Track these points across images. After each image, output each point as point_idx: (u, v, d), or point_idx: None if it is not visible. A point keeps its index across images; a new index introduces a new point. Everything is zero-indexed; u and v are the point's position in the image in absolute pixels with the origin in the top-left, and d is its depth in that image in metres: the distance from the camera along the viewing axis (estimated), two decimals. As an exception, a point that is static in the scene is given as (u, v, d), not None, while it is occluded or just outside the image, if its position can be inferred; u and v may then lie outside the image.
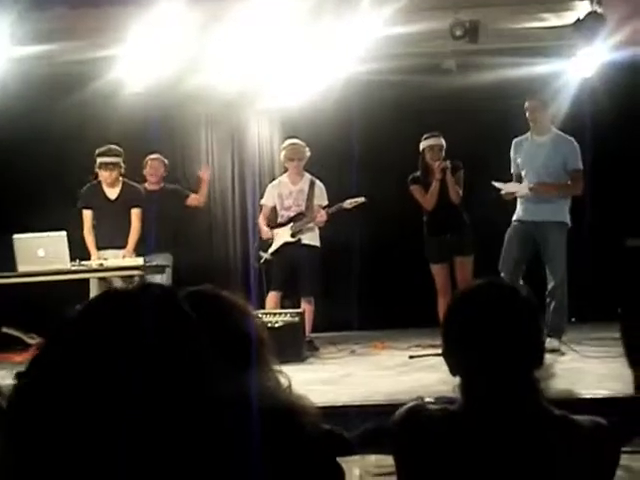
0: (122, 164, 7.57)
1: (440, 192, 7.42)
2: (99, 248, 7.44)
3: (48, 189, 8.53)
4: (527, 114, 7.03)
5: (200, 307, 1.64)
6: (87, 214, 7.59)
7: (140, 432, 1.09)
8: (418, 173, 7.58)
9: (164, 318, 1.13)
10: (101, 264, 7.09)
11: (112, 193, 7.57)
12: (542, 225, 6.89)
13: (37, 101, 8.19)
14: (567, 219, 6.98)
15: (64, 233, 6.95)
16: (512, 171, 7.18)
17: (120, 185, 7.58)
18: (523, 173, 7.05)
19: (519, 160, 7.10)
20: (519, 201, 7.06)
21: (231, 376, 1.48)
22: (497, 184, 7.03)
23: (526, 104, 7.04)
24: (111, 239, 7.41)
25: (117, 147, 7.55)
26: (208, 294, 1.78)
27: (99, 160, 7.48)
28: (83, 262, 7.07)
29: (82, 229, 7.59)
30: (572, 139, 7.05)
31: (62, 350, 1.09)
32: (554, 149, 6.98)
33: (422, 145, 7.53)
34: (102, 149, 7.50)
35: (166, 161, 8.29)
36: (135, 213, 7.51)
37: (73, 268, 6.92)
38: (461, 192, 7.45)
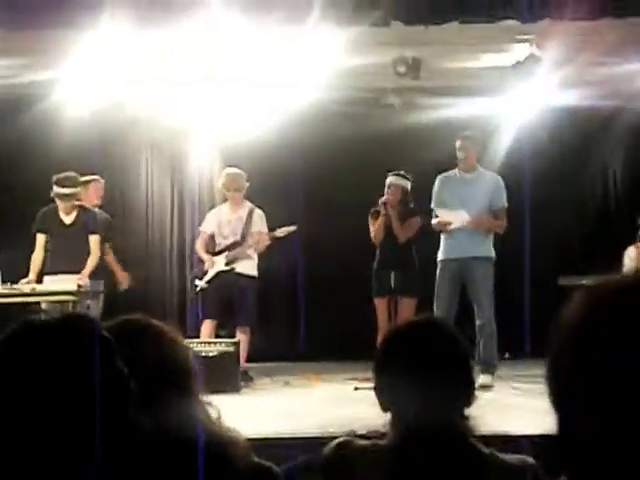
0: (79, 192, 7.44)
1: (388, 228, 7.46)
2: (53, 272, 7.30)
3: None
4: (458, 152, 7.15)
5: (131, 336, 1.62)
6: (40, 238, 7.45)
7: (60, 466, 1.06)
8: (373, 209, 7.61)
9: (83, 350, 1.10)
10: (33, 288, 6.95)
11: (68, 218, 7.45)
12: (467, 262, 6.99)
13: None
14: (492, 254, 7.09)
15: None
16: (432, 206, 7.25)
17: (76, 210, 7.46)
18: (439, 212, 7.14)
19: (446, 196, 7.19)
20: (442, 239, 7.14)
21: (157, 406, 1.46)
22: (438, 210, 7.10)
23: (458, 142, 7.15)
24: (65, 264, 7.27)
25: (75, 176, 7.40)
26: (139, 323, 1.75)
27: (56, 189, 7.33)
28: (15, 286, 6.93)
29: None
30: (499, 177, 7.21)
31: None
32: (482, 186, 7.12)
33: (387, 181, 7.53)
34: (59, 177, 7.33)
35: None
36: (93, 239, 7.40)
37: (3, 291, 6.77)
38: (410, 235, 7.46)
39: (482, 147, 7.33)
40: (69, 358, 1.07)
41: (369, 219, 7.59)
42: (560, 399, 0.95)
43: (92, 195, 7.99)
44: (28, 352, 1.08)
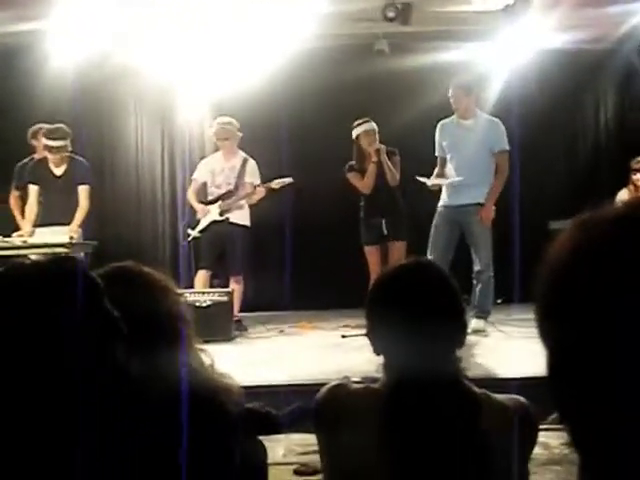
0: (68, 144, 7.38)
1: (377, 175, 7.46)
2: (42, 225, 7.27)
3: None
4: (451, 100, 7.10)
5: (122, 283, 1.62)
6: (33, 189, 7.40)
7: (56, 410, 1.07)
8: (353, 162, 7.59)
9: (75, 293, 1.11)
10: (25, 241, 6.94)
11: (58, 170, 7.40)
12: (465, 209, 6.99)
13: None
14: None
15: (-14, 209, 6.78)
16: (437, 154, 7.25)
17: (67, 161, 7.40)
18: (449, 157, 7.12)
19: (444, 143, 7.16)
20: (444, 187, 7.14)
21: (152, 354, 1.47)
22: (421, 178, 7.10)
23: (450, 91, 7.10)
24: (56, 216, 7.24)
25: (64, 127, 7.33)
26: (131, 270, 1.76)
27: (44, 141, 7.27)
28: (6, 239, 6.92)
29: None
30: (498, 121, 7.15)
31: None
32: (480, 132, 7.07)
33: (356, 132, 7.52)
34: (48, 129, 7.26)
35: None
36: (82, 190, 7.35)
37: (-5, 245, 6.76)
38: (397, 176, 7.49)
39: (477, 91, 7.24)
40: (57, 297, 1.07)
41: (348, 174, 7.57)
42: (550, 337, 0.95)
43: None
44: (15, 291, 1.08)
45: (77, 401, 1.06)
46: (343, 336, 6.82)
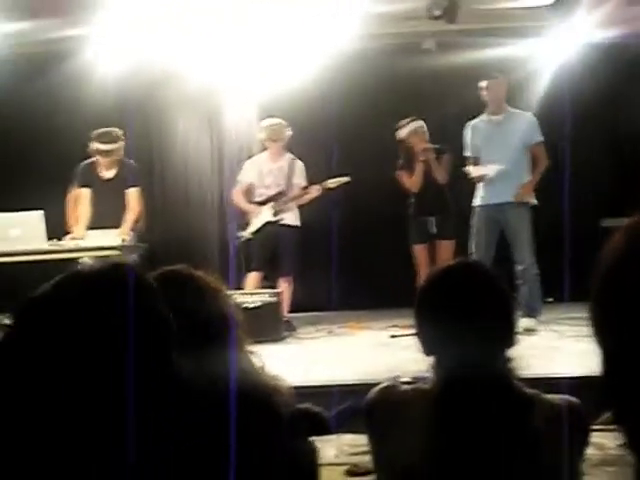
0: (119, 148, 7.43)
1: (425, 174, 7.44)
2: (94, 227, 7.36)
3: (24, 169, 8.49)
4: (486, 93, 7.07)
5: (174, 287, 1.64)
6: (85, 192, 7.49)
7: (112, 413, 1.09)
8: (401, 160, 7.58)
9: (132, 298, 1.13)
10: (77, 244, 7.04)
11: (108, 173, 7.48)
12: (504, 207, 6.95)
13: (8, 81, 8.09)
14: (529, 198, 7.03)
15: (41, 212, 6.88)
16: (468, 154, 7.20)
17: (117, 165, 7.48)
18: (483, 155, 7.08)
19: (478, 142, 7.13)
20: (481, 185, 7.09)
21: (203, 356, 1.48)
22: (470, 168, 7.07)
23: (484, 83, 7.07)
24: (106, 219, 7.32)
25: (116, 131, 7.40)
26: (182, 274, 1.78)
27: (95, 145, 7.35)
28: (60, 242, 7.02)
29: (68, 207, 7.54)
30: (529, 113, 7.13)
31: (29, 330, 1.09)
32: (513, 127, 7.06)
33: (404, 131, 7.51)
34: (99, 133, 7.33)
35: None
36: (132, 193, 7.41)
37: (48, 248, 6.86)
38: (446, 175, 7.46)
39: (508, 87, 7.23)
40: (115, 304, 1.09)
41: (397, 172, 7.56)
42: (604, 336, 0.95)
43: None
44: (75, 299, 1.10)
45: (133, 406, 1.08)
46: (392, 336, 6.80)
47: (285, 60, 8.27)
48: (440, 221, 7.42)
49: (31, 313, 1.11)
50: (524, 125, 7.05)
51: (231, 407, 1.54)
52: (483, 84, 7.11)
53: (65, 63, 7.72)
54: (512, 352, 1.95)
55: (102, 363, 1.07)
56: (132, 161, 7.62)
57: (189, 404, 1.28)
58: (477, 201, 7.11)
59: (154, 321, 1.15)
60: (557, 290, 7.74)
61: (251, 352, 1.77)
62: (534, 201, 7.06)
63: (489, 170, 6.99)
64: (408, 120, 7.52)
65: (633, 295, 0.89)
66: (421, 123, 7.52)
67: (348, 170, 7.95)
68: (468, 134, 7.22)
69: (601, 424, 2.19)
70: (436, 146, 7.48)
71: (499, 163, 6.95)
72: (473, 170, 7.06)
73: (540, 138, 7.06)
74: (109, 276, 1.14)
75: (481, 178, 7.05)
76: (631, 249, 0.92)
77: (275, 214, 7.68)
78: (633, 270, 0.90)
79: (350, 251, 9.22)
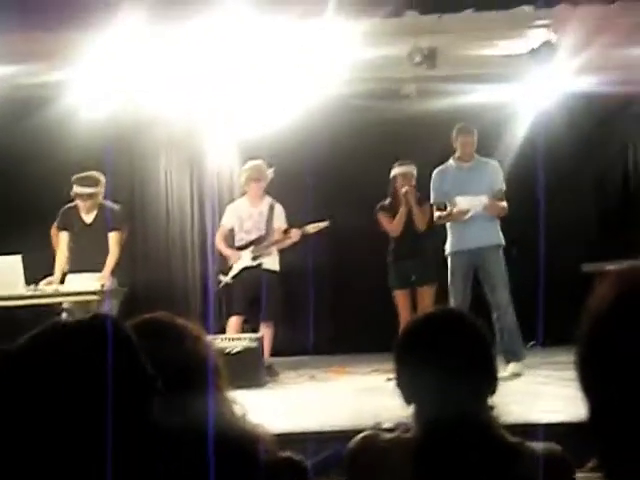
0: (99, 192, 7.43)
1: (406, 220, 7.47)
2: (74, 272, 7.32)
3: (3, 212, 8.48)
4: (458, 142, 7.15)
5: (153, 334, 1.62)
6: (64, 236, 7.47)
7: (92, 465, 1.07)
8: (387, 201, 7.61)
9: (110, 350, 1.11)
10: (56, 289, 6.99)
11: (88, 217, 7.47)
12: (478, 252, 6.97)
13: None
14: (502, 241, 7.09)
15: (19, 257, 6.84)
16: (432, 201, 7.24)
17: (97, 208, 7.47)
18: (458, 200, 7.10)
19: (447, 188, 7.16)
20: (451, 230, 7.13)
21: (183, 404, 1.46)
22: (458, 198, 7.07)
23: (459, 133, 7.17)
24: (86, 263, 7.29)
25: (95, 175, 7.40)
26: (161, 321, 1.76)
27: (75, 188, 7.34)
28: (38, 287, 6.97)
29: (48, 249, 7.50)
30: (495, 162, 7.23)
31: (5, 383, 1.07)
32: (481, 173, 7.15)
33: (393, 172, 7.57)
34: (79, 177, 7.33)
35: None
36: (112, 237, 7.39)
37: (27, 293, 6.81)
38: (426, 222, 7.48)
39: (479, 136, 7.33)
40: (94, 359, 1.08)
41: (379, 214, 7.59)
42: (591, 385, 0.94)
43: None
44: (53, 354, 1.09)
45: (112, 457, 1.06)
46: (389, 379, 6.69)
47: (268, 103, 8.32)
48: (419, 267, 7.43)
49: (8, 367, 1.09)
50: (491, 173, 7.17)
51: (209, 455, 1.52)
52: (454, 132, 7.20)
53: (48, 107, 7.74)
54: (494, 399, 1.94)
55: (79, 417, 1.05)
56: (114, 204, 7.61)
57: (168, 453, 1.26)
58: (449, 248, 7.14)
59: (132, 373, 1.13)
60: (539, 334, 7.78)
61: (232, 399, 1.76)
62: (502, 242, 7.10)
63: (472, 205, 7.00)
64: (400, 162, 7.57)
65: (622, 345, 0.89)
66: (411, 168, 7.55)
67: (330, 214, 7.97)
68: (436, 180, 7.26)
69: (586, 472, 2.17)
70: (419, 193, 7.51)
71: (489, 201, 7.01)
72: (459, 201, 7.04)
73: (502, 186, 7.16)
74: (87, 328, 1.13)
75: (462, 214, 7.04)
76: (620, 299, 0.92)
77: (254, 259, 7.69)
78: (622, 320, 0.90)
79: (333, 294, 9.22)
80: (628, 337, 0.89)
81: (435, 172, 7.27)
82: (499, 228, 7.13)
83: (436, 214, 7.18)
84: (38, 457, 1.04)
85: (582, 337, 0.95)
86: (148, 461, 1.13)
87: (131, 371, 1.12)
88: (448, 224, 7.17)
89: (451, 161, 7.26)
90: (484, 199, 6.99)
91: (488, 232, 7.00)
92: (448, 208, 7.12)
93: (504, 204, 7.16)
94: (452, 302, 6.84)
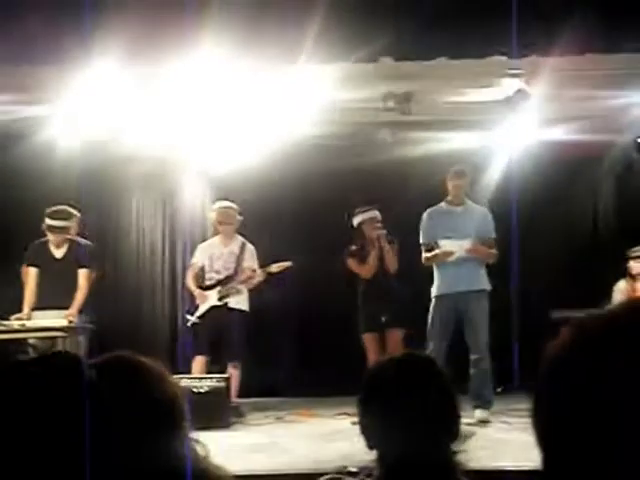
0: (71, 226, 7.40)
1: (378, 262, 7.50)
2: (42, 308, 7.24)
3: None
4: (449, 185, 7.21)
5: (117, 373, 1.61)
6: (32, 272, 7.41)
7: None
8: (353, 247, 7.62)
9: (67, 389, 1.10)
10: (23, 324, 6.92)
11: (58, 252, 7.41)
12: (464, 297, 6.98)
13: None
14: (488, 286, 7.10)
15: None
16: (421, 241, 7.26)
17: (67, 243, 7.41)
18: (442, 242, 7.14)
19: (435, 230, 7.19)
20: (438, 273, 7.14)
21: (144, 445, 1.45)
22: (442, 241, 7.09)
23: (450, 177, 7.21)
24: (54, 299, 7.21)
25: (67, 209, 7.38)
26: (126, 360, 1.74)
27: (47, 221, 7.30)
28: (4, 322, 6.89)
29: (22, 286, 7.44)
30: (486, 209, 7.28)
31: None
32: (471, 218, 7.18)
33: (360, 218, 7.60)
34: (52, 210, 7.30)
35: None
36: (82, 273, 7.34)
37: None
38: (396, 264, 7.53)
39: (471, 180, 7.40)
40: (53, 398, 1.07)
41: (348, 260, 7.60)
42: (544, 435, 0.94)
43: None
44: (12, 392, 1.08)
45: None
46: (354, 423, 6.67)
47: (240, 143, 8.36)
48: (389, 310, 7.44)
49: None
50: (481, 219, 7.19)
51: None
52: (448, 174, 7.23)
53: (23, 141, 7.73)
54: (462, 444, 1.93)
55: (38, 454, 1.04)
56: (85, 240, 7.57)
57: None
58: (435, 291, 7.13)
59: (93, 412, 1.12)
60: (507, 380, 7.79)
61: (195, 441, 1.74)
62: (489, 287, 7.11)
63: (456, 248, 7.03)
64: (365, 208, 7.61)
65: (574, 392, 0.89)
66: (376, 212, 7.60)
67: (300, 254, 7.98)
68: (425, 220, 7.29)
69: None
70: (386, 235, 7.56)
71: (460, 250, 7.02)
72: (444, 244, 7.07)
73: (493, 235, 7.20)
74: (48, 367, 1.12)
75: (447, 255, 7.06)
76: (573, 346, 0.93)
77: (220, 299, 7.67)
78: (574, 368, 0.91)
79: (301, 336, 9.20)
80: (580, 386, 0.89)
81: (425, 213, 7.30)
82: (485, 273, 7.15)
83: (424, 255, 7.18)
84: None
85: (537, 385, 0.95)
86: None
87: (91, 409, 1.11)
88: (435, 268, 7.17)
89: (443, 203, 7.29)
90: (467, 244, 7.01)
91: (474, 276, 7.02)
92: (435, 250, 7.14)
93: (493, 251, 7.18)
94: (430, 346, 6.83)
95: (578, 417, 0.89)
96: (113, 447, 1.14)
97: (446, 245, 7.06)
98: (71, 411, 1.09)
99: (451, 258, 7.01)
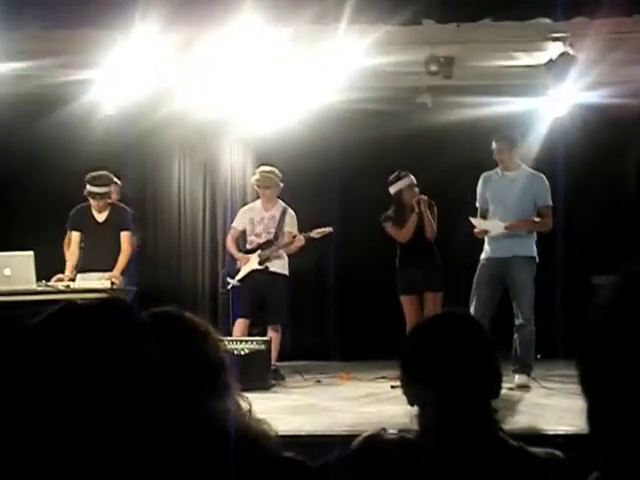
0: (111, 191, 7.51)
1: (416, 226, 7.48)
2: (85, 270, 7.36)
3: (18, 209, 8.53)
4: (494, 154, 7.11)
5: (163, 327, 1.64)
6: (75, 235, 7.53)
7: (99, 448, 1.08)
8: (390, 212, 7.60)
9: (121, 331, 1.13)
10: (67, 285, 7.02)
11: (100, 216, 7.51)
12: (509, 261, 6.93)
13: (10, 121, 8.14)
14: (534, 254, 7.03)
15: (31, 253, 6.88)
16: (477, 205, 7.22)
17: (109, 208, 7.52)
18: (492, 208, 7.09)
19: (488, 195, 7.14)
20: (487, 239, 7.10)
21: (190, 398, 1.47)
22: (473, 220, 7.07)
23: (493, 144, 7.11)
24: (97, 262, 7.33)
25: (107, 174, 7.46)
26: (171, 315, 1.77)
27: (88, 187, 7.39)
28: (49, 283, 7.00)
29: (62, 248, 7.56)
30: (542, 176, 7.13)
31: (18, 361, 1.09)
32: (524, 185, 7.05)
33: (398, 186, 7.53)
34: (92, 176, 7.37)
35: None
36: (124, 236, 7.44)
37: (38, 289, 6.84)
38: (435, 228, 7.51)
39: (520, 145, 7.26)
40: (106, 339, 1.09)
41: (385, 224, 7.57)
42: (591, 393, 0.95)
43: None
44: (66, 331, 1.10)
45: (116, 441, 1.07)
46: (392, 387, 6.68)
47: (282, 109, 8.35)
48: (427, 273, 7.43)
49: (25, 341, 1.11)
50: (535, 185, 7.06)
51: (231, 449, 1.53)
52: (493, 145, 7.13)
53: (63, 106, 7.79)
54: (502, 407, 1.95)
55: (88, 395, 1.06)
56: (124, 205, 7.65)
57: (181, 447, 1.27)
58: (483, 254, 7.11)
59: (142, 357, 1.15)
60: (549, 347, 7.76)
61: (239, 396, 1.77)
62: (535, 254, 7.05)
63: (492, 227, 6.99)
64: (400, 175, 7.55)
65: (617, 351, 0.89)
66: (412, 178, 7.56)
67: (341, 220, 7.98)
68: (479, 185, 7.24)
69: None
70: (427, 199, 7.53)
71: (507, 217, 6.96)
72: (477, 224, 7.05)
73: (550, 202, 7.07)
74: (101, 309, 1.15)
75: (483, 233, 7.05)
76: (615, 305, 0.93)
77: (261, 262, 7.71)
78: (617, 326, 0.91)
79: (341, 300, 9.22)
80: (627, 335, 0.89)
81: (481, 177, 7.24)
82: (533, 241, 7.07)
83: (473, 220, 7.13)
84: (48, 429, 1.06)
85: (580, 344, 0.95)
86: (157, 449, 1.14)
87: (141, 354, 1.13)
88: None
89: (497, 168, 7.21)
90: (499, 224, 6.95)
91: (519, 243, 6.96)
92: (476, 222, 7.09)
93: (547, 221, 7.09)
94: (474, 308, 6.81)
95: (627, 371, 0.89)
96: (157, 394, 1.16)
97: (480, 224, 7.03)
98: (127, 350, 1.11)
99: (489, 235, 6.99)
